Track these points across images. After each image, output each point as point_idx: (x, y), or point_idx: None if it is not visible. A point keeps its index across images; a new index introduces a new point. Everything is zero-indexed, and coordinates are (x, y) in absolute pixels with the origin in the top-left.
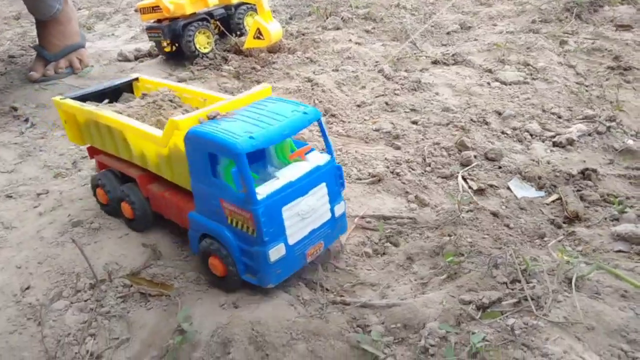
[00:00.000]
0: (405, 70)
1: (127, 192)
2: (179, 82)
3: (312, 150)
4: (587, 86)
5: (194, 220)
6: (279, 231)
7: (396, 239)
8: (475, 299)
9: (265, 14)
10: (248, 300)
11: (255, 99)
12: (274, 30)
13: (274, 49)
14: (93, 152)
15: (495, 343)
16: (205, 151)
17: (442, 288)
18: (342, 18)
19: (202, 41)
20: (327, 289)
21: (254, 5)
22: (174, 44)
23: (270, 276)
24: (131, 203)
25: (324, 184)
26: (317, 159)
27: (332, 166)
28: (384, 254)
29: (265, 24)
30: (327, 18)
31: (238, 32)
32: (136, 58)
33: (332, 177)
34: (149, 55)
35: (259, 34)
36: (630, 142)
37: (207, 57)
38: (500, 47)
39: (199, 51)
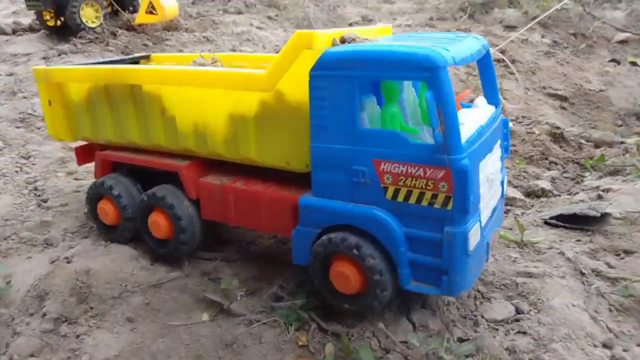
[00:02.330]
0: None
1: (160, 195)
2: (60, 55)
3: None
4: (475, 75)
5: (313, 208)
6: (477, 201)
7: None
8: None
9: None
10: (85, 255)
11: (377, 35)
12: (168, 5)
13: (170, 27)
14: (87, 151)
15: None
16: (357, 81)
17: None
18: (244, 3)
19: (90, 14)
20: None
21: None
22: (58, 18)
23: (466, 276)
24: (169, 209)
25: (499, 142)
26: (486, 106)
27: (501, 119)
28: None
29: None
30: (230, 1)
31: (131, 9)
32: (14, 32)
33: (501, 135)
34: (30, 29)
35: (151, 9)
36: (511, 125)
37: (94, 31)
38: None
39: (85, 25)
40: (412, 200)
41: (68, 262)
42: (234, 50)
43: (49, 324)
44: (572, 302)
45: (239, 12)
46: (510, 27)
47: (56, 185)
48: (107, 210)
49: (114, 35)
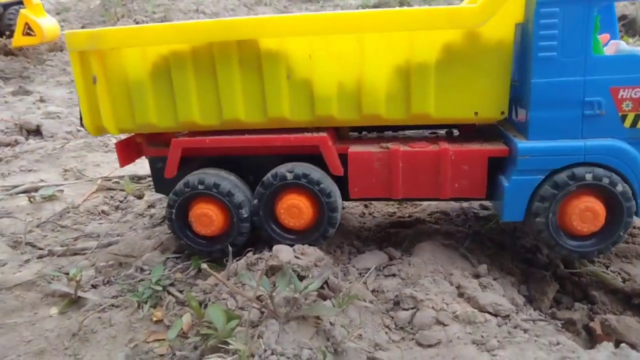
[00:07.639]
0: None
1: (315, 177)
2: None
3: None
4: None
5: (538, 152)
6: None
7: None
8: None
9: (35, 7)
10: None
11: None
12: (46, 25)
13: (54, 48)
14: (131, 147)
15: None
16: (596, 5)
17: None
18: (135, 20)
19: None
20: (35, 246)
21: None
22: None
23: None
24: (321, 195)
25: None
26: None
27: None
28: (126, 208)
29: (35, 18)
30: (119, 20)
31: (8, 33)
32: None
33: None
34: None
35: (28, 30)
36: None
37: None
38: None
39: None
40: None
41: None
42: None
43: None
44: (443, 242)
45: None
46: None
47: None
48: (211, 216)
49: None
